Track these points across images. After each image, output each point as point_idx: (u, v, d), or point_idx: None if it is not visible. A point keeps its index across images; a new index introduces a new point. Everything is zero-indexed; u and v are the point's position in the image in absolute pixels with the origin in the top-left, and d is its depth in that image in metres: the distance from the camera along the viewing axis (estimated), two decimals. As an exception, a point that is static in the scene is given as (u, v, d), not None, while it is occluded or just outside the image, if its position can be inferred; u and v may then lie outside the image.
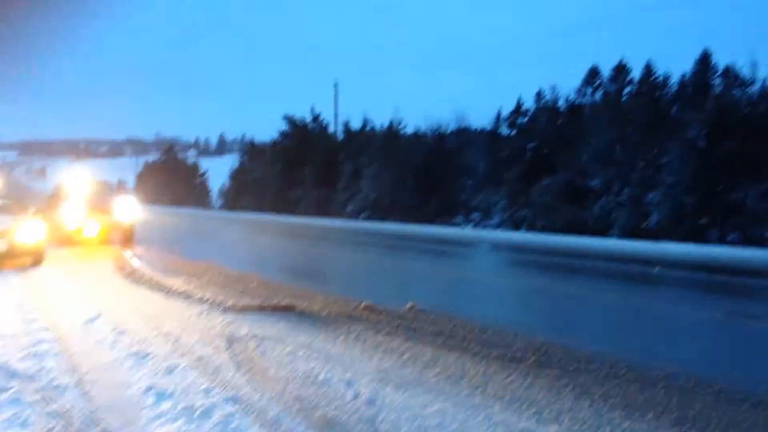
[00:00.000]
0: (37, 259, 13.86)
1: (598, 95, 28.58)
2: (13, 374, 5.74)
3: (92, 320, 7.93)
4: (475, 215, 30.66)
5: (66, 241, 17.79)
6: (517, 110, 31.33)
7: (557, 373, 5.57)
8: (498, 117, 33.89)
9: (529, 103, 30.57)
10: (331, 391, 5.13)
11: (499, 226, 27.60)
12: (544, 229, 24.22)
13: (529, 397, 4.97)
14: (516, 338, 6.71)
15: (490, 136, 34.05)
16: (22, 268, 13.28)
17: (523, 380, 5.37)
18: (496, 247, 17.57)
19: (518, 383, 5.30)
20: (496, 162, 30.13)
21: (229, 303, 8.58)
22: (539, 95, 29.85)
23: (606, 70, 28.46)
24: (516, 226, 26.57)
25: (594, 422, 4.46)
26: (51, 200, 20.24)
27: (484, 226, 28.27)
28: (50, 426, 4.47)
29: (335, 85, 42.94)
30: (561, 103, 29.09)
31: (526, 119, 30.45)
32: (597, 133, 25.03)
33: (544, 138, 27.88)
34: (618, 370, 5.62)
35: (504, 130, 32.52)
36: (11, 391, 5.25)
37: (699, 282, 12.06)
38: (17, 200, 16.15)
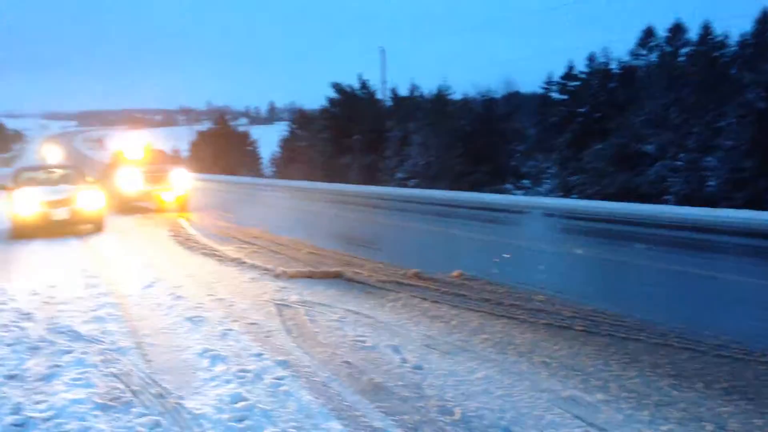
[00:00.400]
0: (97, 226, 14.37)
1: (653, 57, 27.78)
2: (77, 337, 6.03)
3: (150, 285, 8.23)
4: (525, 182, 30.36)
5: (124, 208, 18.33)
6: (568, 74, 30.69)
7: (605, 341, 5.57)
8: (548, 81, 33.29)
9: (580, 67, 29.95)
10: (378, 357, 5.25)
11: (549, 192, 27.26)
12: (595, 196, 23.82)
13: (575, 364, 4.99)
14: (564, 306, 6.70)
15: (541, 101, 33.46)
16: (84, 235, 13.78)
17: (570, 348, 5.39)
18: (546, 213, 17.39)
19: (565, 351, 5.32)
20: (546, 127, 29.67)
21: (280, 269, 8.76)
22: (591, 58, 29.15)
23: (661, 31, 27.65)
24: (567, 192, 26.20)
25: (641, 390, 4.47)
26: (109, 169, 20.82)
27: (534, 193, 27.98)
28: (111, 386, 4.71)
29: (382, 52, 42.70)
30: (613, 66, 28.40)
31: (577, 83, 29.82)
32: (651, 96, 24.34)
33: (595, 102, 27.26)
34: (668, 338, 5.57)
35: (555, 95, 31.96)
36: (76, 352, 5.53)
37: (757, 249, 11.76)
38: (77, 169, 16.65)
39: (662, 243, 11.90)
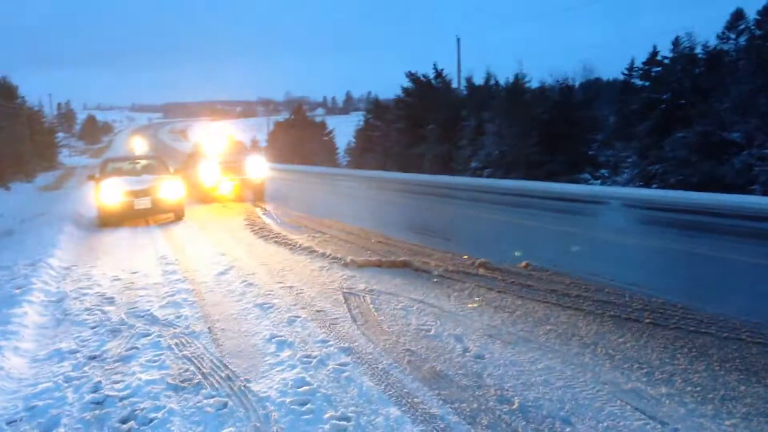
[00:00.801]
0: (177, 215, 14.94)
1: (742, 40, 26.53)
2: (154, 320, 6.33)
3: (224, 272, 8.52)
4: (603, 171, 29.60)
5: (203, 197, 18.96)
6: (651, 59, 29.68)
7: (674, 334, 5.43)
8: (630, 67, 32.29)
9: (664, 52, 28.89)
10: (440, 346, 5.30)
11: (628, 182, 26.48)
12: (677, 186, 23.02)
13: (641, 357, 4.91)
14: (633, 298, 6.56)
15: (621, 87, 32.50)
16: (165, 224, 14.35)
17: (636, 340, 5.29)
18: (624, 204, 16.95)
19: (631, 343, 5.23)
20: (626, 115, 28.75)
21: (349, 258, 8.91)
22: (676, 43, 28.10)
23: (752, 14, 26.36)
24: (646, 182, 25.39)
25: (707, 385, 4.36)
26: (189, 159, 21.54)
27: (612, 183, 27.27)
28: (183, 368, 4.93)
29: (458, 40, 42.38)
30: (699, 50, 27.27)
31: (660, 69, 28.80)
32: (738, 81, 23.31)
33: (679, 88, 26.26)
34: (740, 332, 5.39)
35: (636, 81, 30.96)
36: (152, 335, 5.81)
37: None
38: (160, 160, 17.32)
39: (746, 235, 11.44)
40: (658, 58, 28.88)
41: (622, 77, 33.42)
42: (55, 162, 61.38)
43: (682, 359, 4.85)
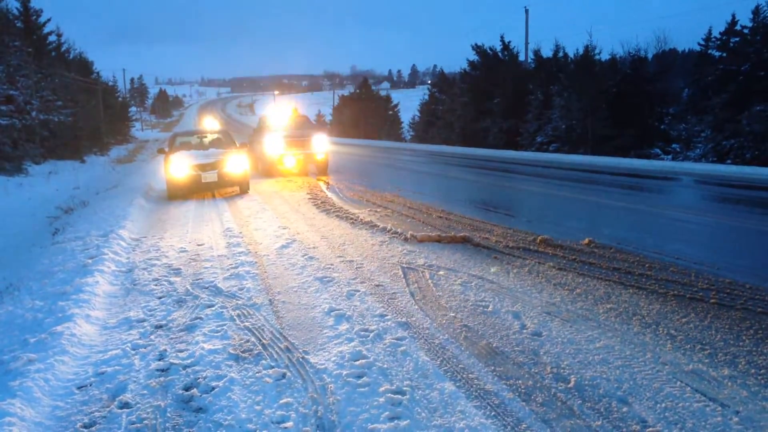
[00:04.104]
0: (243, 189, 15.26)
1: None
2: (218, 292, 6.51)
3: (286, 246, 8.67)
4: (675, 146, 28.63)
5: (267, 171, 19.28)
6: (730, 29, 28.40)
7: (740, 315, 5.26)
8: (707, 38, 30.98)
9: (744, 21, 27.56)
10: (498, 322, 5.28)
11: (701, 157, 25.55)
12: (753, 161, 22.11)
13: (704, 338, 4.78)
14: (699, 277, 6.37)
15: (697, 58, 31.23)
16: (230, 196, 14.68)
17: (700, 321, 5.15)
18: (696, 180, 16.38)
19: (694, 324, 5.09)
20: (701, 87, 27.66)
21: (409, 233, 8.93)
22: (756, 12, 26.77)
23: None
24: (721, 157, 24.45)
25: (774, 369, 4.22)
26: (256, 134, 21.90)
27: (684, 158, 26.36)
28: (244, 339, 5.07)
29: (526, 11, 41.46)
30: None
31: (738, 39, 27.54)
32: (823, 52, 22.17)
33: (759, 59, 25.07)
34: (813, 316, 5.18)
35: (713, 53, 29.68)
36: (215, 306, 5.98)
37: None
38: (227, 134, 17.66)
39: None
40: (737, 27, 27.59)
41: (698, 48, 32.10)
42: (127, 135, 63.45)
43: (748, 341, 4.70)
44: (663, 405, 3.74)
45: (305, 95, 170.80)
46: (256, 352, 4.80)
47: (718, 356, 4.43)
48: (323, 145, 19.62)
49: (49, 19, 38.27)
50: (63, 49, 43.85)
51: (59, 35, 42.44)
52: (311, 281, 6.78)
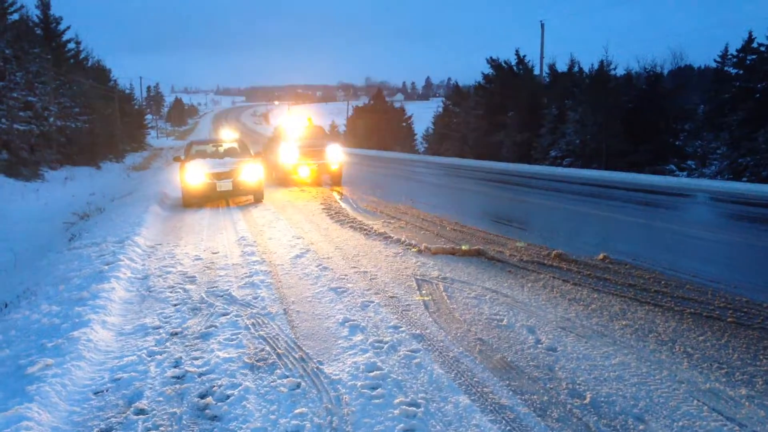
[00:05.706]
0: (257, 198, 15.34)
1: None
2: (233, 300, 6.53)
3: (300, 255, 8.70)
4: (690, 163, 28.51)
5: (282, 181, 19.36)
6: (747, 46, 28.29)
7: (757, 334, 5.22)
8: (724, 55, 30.87)
9: (761, 38, 27.46)
10: (512, 336, 5.27)
11: (716, 174, 25.44)
12: (770, 179, 22.03)
13: (721, 357, 4.75)
14: (716, 295, 6.34)
15: (714, 75, 31.12)
16: (245, 205, 14.75)
17: (717, 340, 5.12)
18: (712, 197, 16.29)
19: (711, 342, 5.06)
20: (717, 104, 27.55)
21: (423, 245, 8.94)
22: (773, 28, 26.70)
23: None
24: (737, 175, 24.32)
25: (792, 389, 4.18)
26: (270, 143, 22.00)
27: (699, 175, 26.24)
28: (259, 348, 5.09)
29: (542, 25, 41.51)
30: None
31: (755, 57, 27.42)
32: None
33: (776, 77, 25.03)
34: (831, 336, 5.13)
35: (730, 70, 29.57)
36: (230, 315, 6.01)
37: None
38: (242, 143, 17.76)
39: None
40: (754, 45, 27.48)
41: (714, 65, 32.00)
42: (143, 143, 63.94)
43: (765, 360, 4.67)
44: (680, 423, 3.72)
45: (319, 105, 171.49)
46: (270, 361, 4.81)
47: (736, 375, 4.40)
48: (337, 156, 19.67)
49: (68, 27, 38.79)
50: (81, 56, 44.40)
51: (78, 43, 43.01)
52: (325, 291, 6.80)
